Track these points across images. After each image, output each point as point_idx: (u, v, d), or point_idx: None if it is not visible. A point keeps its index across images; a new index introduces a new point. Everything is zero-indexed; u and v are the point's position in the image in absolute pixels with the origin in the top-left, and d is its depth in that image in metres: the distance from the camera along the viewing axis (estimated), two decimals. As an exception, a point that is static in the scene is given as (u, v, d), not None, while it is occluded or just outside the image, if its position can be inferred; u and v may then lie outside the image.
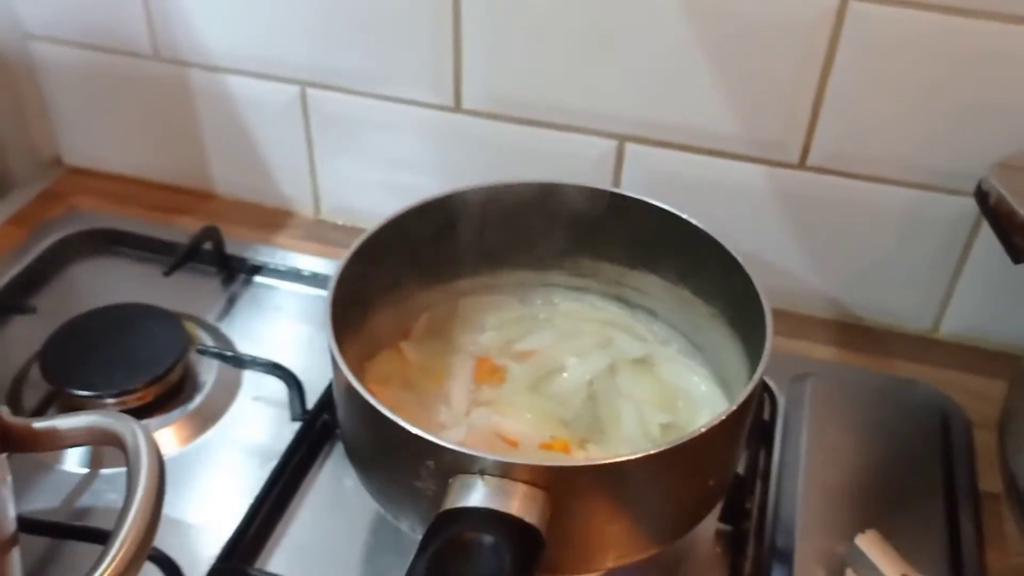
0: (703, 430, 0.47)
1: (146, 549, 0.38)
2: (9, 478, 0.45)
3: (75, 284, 0.82)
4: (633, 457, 0.45)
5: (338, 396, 0.55)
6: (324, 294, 0.79)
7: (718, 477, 0.53)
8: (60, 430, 0.42)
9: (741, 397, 0.49)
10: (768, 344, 0.52)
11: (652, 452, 0.46)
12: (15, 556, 0.44)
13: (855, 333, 0.79)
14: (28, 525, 0.57)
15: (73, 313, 0.73)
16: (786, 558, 0.60)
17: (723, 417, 0.48)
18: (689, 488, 0.52)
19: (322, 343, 0.76)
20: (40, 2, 0.85)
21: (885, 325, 0.80)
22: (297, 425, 0.68)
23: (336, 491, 0.65)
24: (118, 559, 0.36)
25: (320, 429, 0.68)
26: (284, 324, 0.79)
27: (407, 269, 0.64)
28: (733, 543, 0.62)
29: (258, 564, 0.60)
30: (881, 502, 0.63)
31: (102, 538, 0.56)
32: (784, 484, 0.65)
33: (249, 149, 0.88)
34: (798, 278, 0.79)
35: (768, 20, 0.67)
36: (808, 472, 0.65)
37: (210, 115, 0.87)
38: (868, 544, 0.57)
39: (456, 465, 0.46)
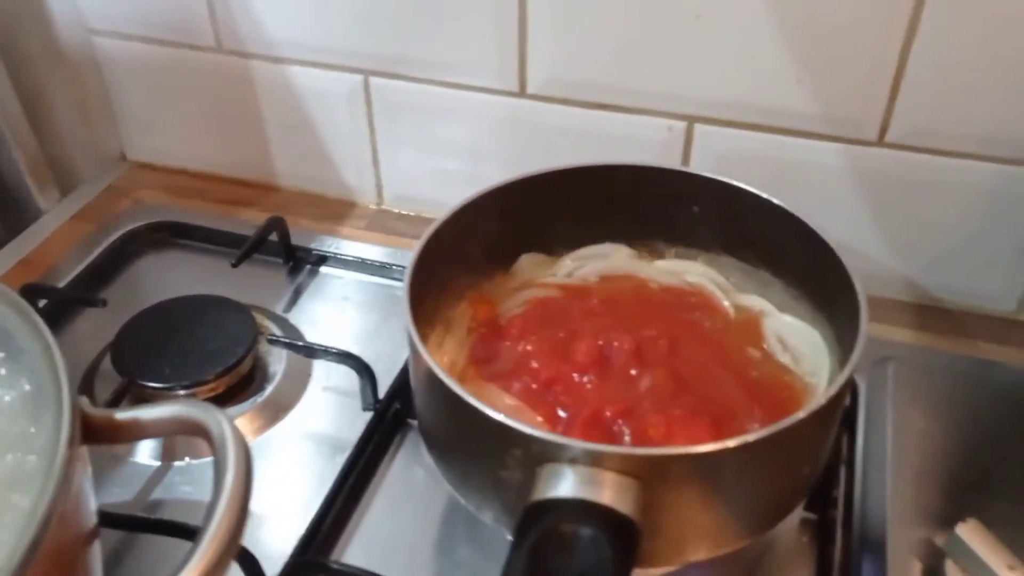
0: (801, 416, 0.45)
1: (237, 541, 0.37)
2: (89, 470, 0.44)
3: (143, 277, 0.82)
4: (730, 445, 0.44)
5: (417, 384, 0.54)
6: (390, 284, 0.80)
7: (812, 465, 0.51)
8: (143, 420, 0.41)
9: (838, 383, 0.47)
10: (863, 330, 0.50)
11: (750, 440, 0.44)
12: (96, 549, 0.43)
13: (935, 315, 0.77)
14: (107, 519, 0.57)
15: (142, 306, 0.73)
16: (878, 547, 0.57)
17: (822, 402, 0.46)
18: (784, 476, 0.50)
19: (389, 332, 0.77)
20: (103, -3, 0.85)
21: (966, 307, 0.77)
22: (368, 415, 0.67)
23: (409, 481, 0.65)
24: (210, 553, 0.35)
25: (392, 418, 0.67)
26: (351, 314, 0.78)
27: (478, 256, 0.63)
28: (820, 532, 0.60)
29: (334, 556, 0.59)
30: (974, 489, 0.60)
31: (182, 532, 0.57)
32: (870, 471, 0.63)
33: (312, 140, 0.87)
34: (875, 260, 0.76)
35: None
36: (895, 458, 0.62)
37: (272, 107, 0.86)
38: (970, 534, 0.55)
39: (545, 454, 0.44)
